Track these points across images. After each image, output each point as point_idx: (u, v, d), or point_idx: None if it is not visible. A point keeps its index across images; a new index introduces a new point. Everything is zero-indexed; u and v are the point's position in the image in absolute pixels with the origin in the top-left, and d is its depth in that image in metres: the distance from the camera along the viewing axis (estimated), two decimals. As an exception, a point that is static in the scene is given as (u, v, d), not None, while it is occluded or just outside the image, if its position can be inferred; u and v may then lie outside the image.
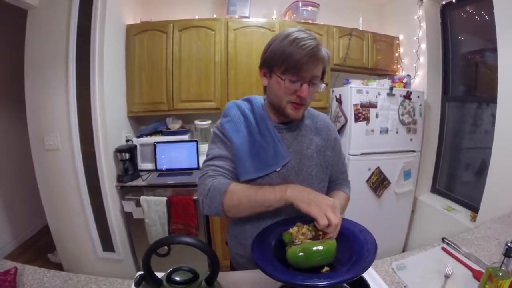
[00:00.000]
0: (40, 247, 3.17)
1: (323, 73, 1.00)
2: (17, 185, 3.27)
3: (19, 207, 3.29)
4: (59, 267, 2.58)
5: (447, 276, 1.04)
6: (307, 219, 0.85)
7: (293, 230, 0.83)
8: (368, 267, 0.70)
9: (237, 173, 1.04)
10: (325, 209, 0.78)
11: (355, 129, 2.52)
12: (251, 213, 0.94)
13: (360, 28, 3.01)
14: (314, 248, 0.75)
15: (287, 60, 0.91)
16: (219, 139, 1.07)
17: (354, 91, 2.50)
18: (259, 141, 1.03)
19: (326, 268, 0.74)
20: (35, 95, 2.27)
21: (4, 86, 3.11)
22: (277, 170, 1.02)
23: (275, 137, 1.04)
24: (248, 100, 1.13)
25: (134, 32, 2.62)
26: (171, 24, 2.61)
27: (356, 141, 2.54)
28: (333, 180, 1.21)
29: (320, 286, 0.65)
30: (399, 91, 2.63)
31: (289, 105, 0.98)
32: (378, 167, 2.62)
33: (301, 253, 0.75)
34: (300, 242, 0.79)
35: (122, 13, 2.56)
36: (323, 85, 1.00)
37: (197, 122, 2.82)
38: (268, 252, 0.81)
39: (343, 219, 0.92)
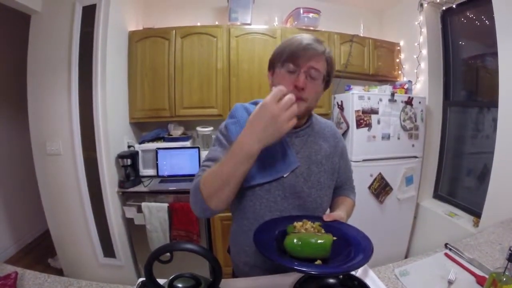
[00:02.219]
0: (40, 252, 3.16)
1: (329, 74, 1.00)
2: (18, 190, 3.27)
3: (20, 211, 3.29)
4: (59, 272, 2.57)
5: (450, 282, 1.04)
6: (314, 218, 0.94)
7: (298, 224, 0.88)
8: (359, 267, 0.73)
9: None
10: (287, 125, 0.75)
11: (356, 135, 2.52)
12: (232, 192, 0.85)
13: (361, 35, 3.03)
14: (311, 240, 0.78)
15: (284, 53, 0.95)
16: (218, 142, 1.04)
17: (356, 98, 2.50)
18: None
19: (318, 261, 0.77)
20: (37, 100, 2.28)
21: (6, 90, 3.13)
22: (285, 176, 1.00)
23: (284, 141, 1.03)
24: (256, 104, 1.11)
25: (136, 39, 2.64)
26: (173, 31, 2.63)
27: (358, 147, 2.54)
28: (340, 186, 1.22)
29: (306, 271, 0.70)
30: (400, 97, 2.63)
31: None
32: (380, 173, 2.62)
33: (297, 241, 0.78)
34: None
35: (124, 19, 2.58)
36: (323, 77, 0.97)
37: (199, 128, 2.82)
38: (269, 238, 0.85)
39: (348, 225, 0.95)
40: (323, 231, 0.87)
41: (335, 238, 0.83)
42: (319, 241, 0.78)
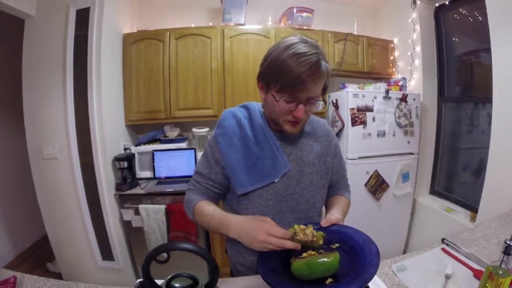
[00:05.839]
0: (39, 257, 3.15)
1: (324, 89, 0.96)
2: (16, 195, 3.25)
3: (18, 216, 3.27)
4: (58, 276, 2.56)
5: (447, 277, 1.04)
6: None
7: (298, 227, 0.85)
8: (370, 279, 0.71)
9: (233, 188, 1.04)
10: (258, 247, 0.80)
11: (352, 133, 2.52)
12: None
13: (355, 33, 3.04)
14: (319, 261, 0.76)
15: (282, 78, 0.87)
16: (206, 155, 1.10)
17: (351, 96, 2.51)
18: (255, 153, 1.02)
19: (329, 280, 0.76)
20: (33, 104, 2.27)
21: (2, 95, 3.11)
22: (276, 181, 1.01)
23: (274, 146, 1.02)
24: (246, 107, 1.11)
25: (130, 41, 2.63)
26: (168, 33, 2.63)
27: (354, 145, 2.54)
28: (333, 185, 1.22)
29: None
30: (395, 94, 2.64)
31: (286, 123, 0.97)
32: (376, 171, 2.62)
33: (305, 267, 0.77)
34: (305, 255, 0.80)
35: (118, 22, 2.58)
36: (321, 104, 0.94)
37: (194, 129, 2.81)
38: (274, 263, 0.82)
39: (348, 227, 0.94)
40: (321, 242, 0.85)
41: (337, 245, 0.83)
42: (327, 260, 0.76)
